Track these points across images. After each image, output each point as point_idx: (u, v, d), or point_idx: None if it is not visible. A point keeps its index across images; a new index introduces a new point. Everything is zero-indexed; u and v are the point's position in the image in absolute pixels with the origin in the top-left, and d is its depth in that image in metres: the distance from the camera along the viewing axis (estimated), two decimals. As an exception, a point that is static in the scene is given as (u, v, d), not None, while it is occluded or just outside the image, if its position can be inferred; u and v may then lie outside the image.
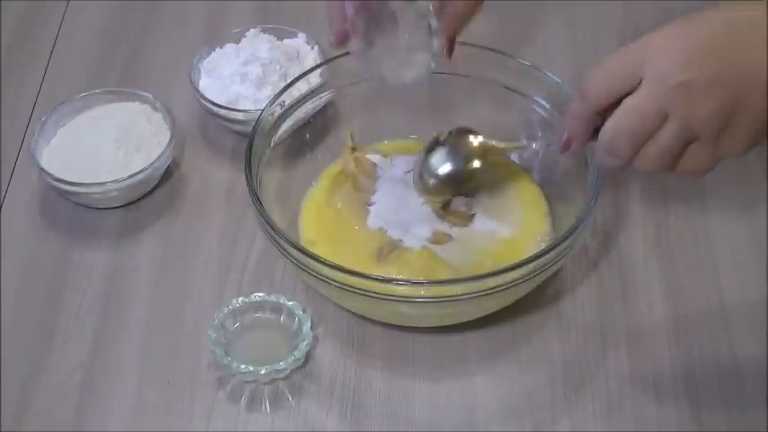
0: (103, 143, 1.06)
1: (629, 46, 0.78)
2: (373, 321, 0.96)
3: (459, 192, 0.99)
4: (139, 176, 1.03)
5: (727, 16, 0.78)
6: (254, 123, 0.98)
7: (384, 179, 1.02)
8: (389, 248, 0.97)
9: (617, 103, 0.79)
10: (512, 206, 1.02)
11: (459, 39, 0.98)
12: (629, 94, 0.78)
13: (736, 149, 0.79)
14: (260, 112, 1.00)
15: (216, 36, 1.15)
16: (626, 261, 1.01)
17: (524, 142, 0.98)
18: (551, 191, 1.02)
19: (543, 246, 0.97)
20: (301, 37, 1.15)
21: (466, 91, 1.04)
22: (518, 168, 1.05)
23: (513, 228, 1.00)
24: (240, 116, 1.08)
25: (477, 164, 0.95)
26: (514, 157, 1.05)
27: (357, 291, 0.88)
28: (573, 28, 1.24)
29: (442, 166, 0.96)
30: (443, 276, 0.94)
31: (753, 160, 1.08)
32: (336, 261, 0.89)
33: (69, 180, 1.03)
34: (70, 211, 1.06)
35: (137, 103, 1.10)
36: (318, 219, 1.02)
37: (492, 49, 1.02)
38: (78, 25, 1.25)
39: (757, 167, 1.08)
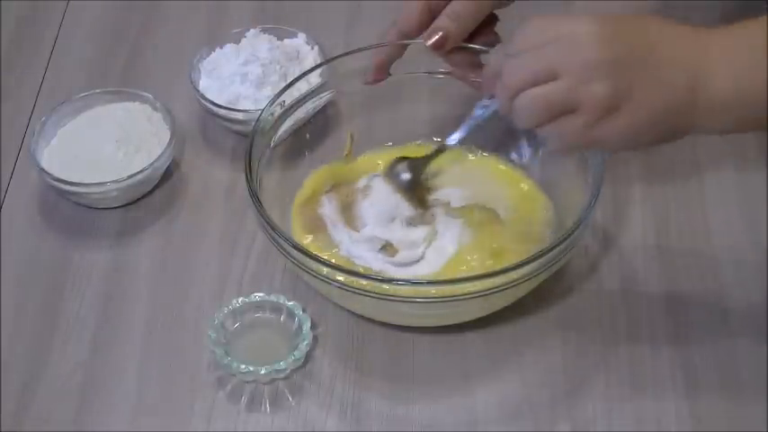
0: (103, 143, 1.06)
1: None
2: (373, 321, 0.96)
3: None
4: (139, 176, 1.03)
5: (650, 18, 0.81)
6: (254, 123, 0.98)
7: (371, 198, 1.00)
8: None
9: None
10: (511, 205, 1.02)
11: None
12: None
13: (611, 137, 0.80)
14: (260, 112, 0.99)
15: (216, 36, 1.15)
16: (626, 261, 1.01)
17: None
18: (551, 191, 1.02)
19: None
20: (301, 37, 1.14)
21: (466, 91, 1.04)
22: (518, 168, 1.05)
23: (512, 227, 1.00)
24: (240, 116, 1.08)
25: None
26: (515, 156, 1.05)
27: (357, 291, 0.88)
28: (573, 28, 1.23)
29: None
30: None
31: (753, 160, 1.08)
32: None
33: (69, 180, 1.03)
34: (70, 211, 1.06)
35: (137, 103, 1.10)
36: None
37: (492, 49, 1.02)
38: (78, 25, 1.25)
39: (758, 167, 1.08)
